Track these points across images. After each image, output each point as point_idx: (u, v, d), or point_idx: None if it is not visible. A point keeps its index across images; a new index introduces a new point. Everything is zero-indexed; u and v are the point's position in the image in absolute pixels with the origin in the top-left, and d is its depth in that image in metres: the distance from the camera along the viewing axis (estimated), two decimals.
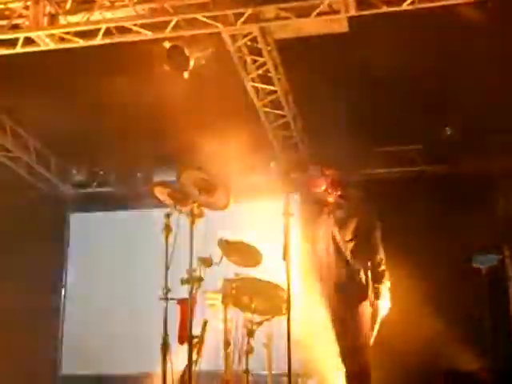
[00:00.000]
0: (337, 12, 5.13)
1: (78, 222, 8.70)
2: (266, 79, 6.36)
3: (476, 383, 2.77)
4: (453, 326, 5.75)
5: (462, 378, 2.80)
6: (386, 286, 4.66)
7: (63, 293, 8.45)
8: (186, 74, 5.54)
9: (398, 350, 5.54)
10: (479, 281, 6.39)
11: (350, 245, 4.68)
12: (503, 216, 7.15)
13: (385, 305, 4.65)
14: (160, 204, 5.11)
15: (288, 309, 4.32)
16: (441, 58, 5.99)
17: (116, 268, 8.00)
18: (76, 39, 5.54)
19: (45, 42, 5.60)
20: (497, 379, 3.01)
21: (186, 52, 5.41)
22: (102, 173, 8.53)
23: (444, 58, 5.96)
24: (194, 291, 4.52)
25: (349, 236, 4.68)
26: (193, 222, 4.60)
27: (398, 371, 5.55)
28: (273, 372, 5.00)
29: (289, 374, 4.31)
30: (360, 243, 4.68)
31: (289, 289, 4.31)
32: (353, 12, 5.09)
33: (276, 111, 6.91)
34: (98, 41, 5.47)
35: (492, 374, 3.08)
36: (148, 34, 5.42)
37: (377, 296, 4.61)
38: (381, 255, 4.70)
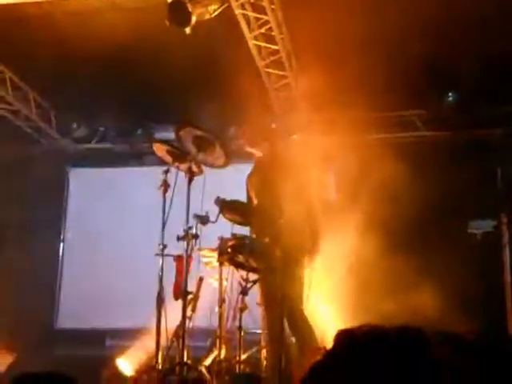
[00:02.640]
0: None
1: (77, 176, 8.70)
2: (269, 38, 6.29)
3: (461, 344, 2.80)
4: (445, 290, 5.80)
5: (447, 338, 2.83)
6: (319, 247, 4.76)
7: (61, 247, 8.48)
8: (187, 30, 5.46)
9: (387, 312, 5.60)
10: (474, 246, 6.44)
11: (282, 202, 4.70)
12: (502, 183, 7.17)
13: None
14: (160, 161, 5.12)
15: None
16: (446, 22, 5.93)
17: (114, 224, 8.02)
18: None
19: None
20: (484, 342, 3.04)
21: (189, 7, 5.33)
22: (102, 129, 8.48)
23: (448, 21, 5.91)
24: (189, 248, 4.55)
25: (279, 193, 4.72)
26: (190, 180, 4.62)
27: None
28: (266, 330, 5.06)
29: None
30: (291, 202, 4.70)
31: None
32: None
33: (278, 72, 6.84)
34: None
35: (479, 337, 3.11)
36: None
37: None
38: (317, 217, 4.76)
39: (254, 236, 4.90)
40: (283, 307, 4.60)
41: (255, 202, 5.03)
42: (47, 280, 8.30)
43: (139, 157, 8.31)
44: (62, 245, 8.47)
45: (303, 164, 4.97)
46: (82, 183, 8.60)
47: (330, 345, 1.41)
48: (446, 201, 6.45)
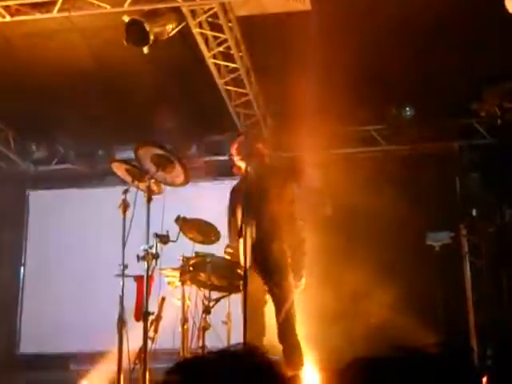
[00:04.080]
0: None
1: (38, 199, 8.57)
2: (227, 57, 6.32)
3: (425, 358, 2.81)
4: (405, 303, 5.85)
5: (408, 352, 2.84)
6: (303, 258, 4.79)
7: (22, 271, 8.33)
8: (145, 49, 5.46)
9: (348, 325, 5.63)
10: (432, 258, 6.51)
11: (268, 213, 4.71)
12: (460, 195, 7.28)
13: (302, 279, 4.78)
14: (122, 181, 5.08)
15: (244, 286, 4.36)
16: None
17: (75, 245, 7.92)
18: (32, 11, 5.44)
19: (1, 13, 5.48)
20: (447, 354, 3.07)
21: (146, 26, 5.33)
22: (62, 150, 8.38)
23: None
24: (150, 268, 4.51)
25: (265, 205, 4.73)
26: (150, 199, 4.59)
27: (347, 346, 5.64)
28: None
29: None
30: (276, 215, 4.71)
31: (245, 266, 4.35)
32: None
33: (238, 89, 6.87)
34: (55, 14, 5.37)
35: (442, 350, 3.14)
36: (107, 8, 5.33)
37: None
38: (298, 227, 4.80)
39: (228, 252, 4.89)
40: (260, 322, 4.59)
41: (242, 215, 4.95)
42: (8, 305, 8.13)
43: (101, 177, 8.22)
44: (22, 269, 8.31)
45: (289, 177, 5.00)
46: (43, 206, 8.46)
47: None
48: (405, 213, 6.52)
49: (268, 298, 4.77)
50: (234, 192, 5.07)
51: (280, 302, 4.63)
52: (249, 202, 4.63)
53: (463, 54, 6.10)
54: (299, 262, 4.79)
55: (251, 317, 4.29)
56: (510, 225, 6.65)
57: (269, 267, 4.66)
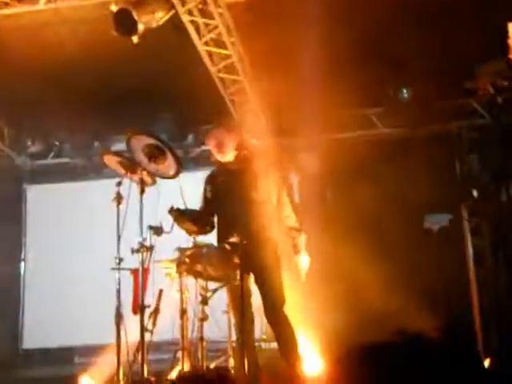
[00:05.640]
0: None
1: (35, 193, 8.53)
2: (219, 44, 6.24)
3: (425, 342, 2.78)
4: (405, 287, 5.81)
5: (411, 337, 2.81)
6: (302, 241, 4.77)
7: (22, 266, 8.31)
8: (134, 39, 5.38)
9: (348, 309, 5.59)
10: (431, 241, 6.45)
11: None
12: (460, 176, 7.22)
13: (304, 259, 4.76)
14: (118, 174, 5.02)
15: (241, 275, 4.32)
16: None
17: (74, 239, 7.90)
18: (19, 5, 5.37)
19: None
20: (447, 339, 3.02)
21: (134, 15, 5.25)
22: (57, 143, 8.34)
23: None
24: (145, 260, 4.46)
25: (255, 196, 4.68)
26: (142, 190, 4.53)
27: (349, 330, 5.61)
28: (232, 339, 5.00)
29: (242, 339, 4.34)
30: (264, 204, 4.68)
31: (242, 255, 4.31)
32: None
33: (231, 76, 6.78)
34: (42, 5, 5.29)
35: (442, 334, 3.09)
36: None
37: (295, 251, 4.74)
38: (289, 212, 4.77)
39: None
40: (249, 313, 4.56)
41: (218, 206, 4.92)
42: (10, 301, 8.12)
43: (98, 170, 8.18)
44: (23, 264, 8.30)
45: (269, 168, 4.92)
46: (40, 200, 8.43)
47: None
48: (404, 196, 6.46)
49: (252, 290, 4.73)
50: (209, 182, 4.99)
51: (268, 293, 4.60)
52: (230, 197, 4.63)
53: (459, 33, 6.00)
54: (293, 246, 4.77)
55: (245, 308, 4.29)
56: (510, 204, 6.58)
57: (258, 264, 4.61)
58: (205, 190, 4.97)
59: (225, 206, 4.72)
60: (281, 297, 4.64)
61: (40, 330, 7.75)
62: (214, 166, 4.98)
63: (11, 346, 8.01)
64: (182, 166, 4.59)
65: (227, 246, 4.44)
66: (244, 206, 4.61)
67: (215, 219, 4.84)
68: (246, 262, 4.38)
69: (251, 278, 4.70)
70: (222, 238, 4.67)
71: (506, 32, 5.50)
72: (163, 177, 4.68)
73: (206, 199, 4.91)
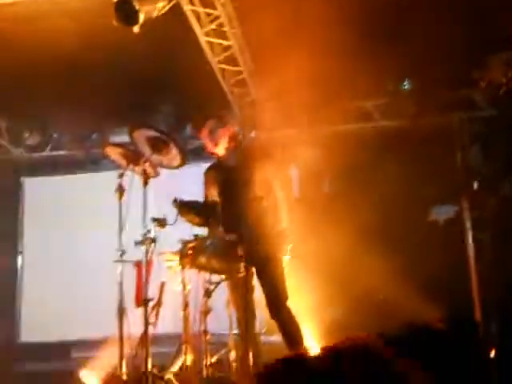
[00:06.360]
0: None
1: (32, 186, 8.46)
2: (220, 34, 6.17)
3: (432, 334, 2.77)
4: (410, 278, 5.78)
5: (417, 329, 2.80)
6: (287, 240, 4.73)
7: (20, 259, 8.25)
8: (136, 29, 5.31)
9: (354, 303, 5.57)
10: (436, 232, 6.42)
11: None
12: (462, 168, 7.18)
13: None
14: (118, 166, 4.97)
15: (246, 268, 4.29)
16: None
17: (72, 232, 7.83)
18: None
19: None
20: (452, 330, 3.01)
21: (135, 5, 5.17)
22: (55, 135, 8.26)
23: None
24: (148, 253, 4.42)
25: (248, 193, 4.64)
26: (146, 182, 4.50)
27: (353, 322, 5.59)
28: (234, 332, 4.96)
29: (245, 332, 4.32)
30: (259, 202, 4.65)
31: (246, 248, 4.28)
32: None
33: (232, 67, 6.73)
34: None
35: (448, 325, 3.08)
36: None
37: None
38: (282, 212, 4.74)
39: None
40: (251, 307, 4.53)
41: (217, 198, 4.90)
42: (7, 294, 8.06)
43: (96, 162, 8.12)
44: (20, 257, 8.24)
45: (267, 161, 4.88)
46: (38, 192, 8.36)
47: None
48: (407, 188, 6.43)
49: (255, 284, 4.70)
50: (209, 175, 4.96)
51: (271, 289, 4.57)
52: (228, 191, 4.62)
53: (462, 23, 5.95)
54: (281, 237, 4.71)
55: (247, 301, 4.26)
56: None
57: (259, 260, 4.58)
58: (204, 180, 4.95)
59: (226, 201, 4.70)
60: (284, 291, 4.62)
61: (37, 324, 7.68)
62: (212, 159, 4.97)
63: (8, 339, 7.94)
64: (186, 157, 4.55)
65: (231, 238, 4.42)
66: (245, 201, 4.58)
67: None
68: (249, 256, 4.36)
69: (253, 272, 4.67)
70: (225, 232, 4.65)
71: None
72: (167, 168, 4.64)
73: (206, 195, 4.90)
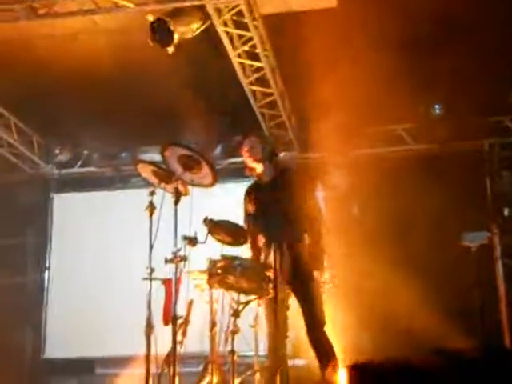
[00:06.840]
0: None
1: (62, 202, 8.54)
2: (252, 56, 6.23)
3: (463, 362, 2.71)
4: (442, 306, 5.71)
5: (449, 356, 2.75)
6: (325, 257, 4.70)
7: (47, 275, 8.30)
8: (170, 49, 5.39)
9: (385, 327, 5.50)
10: (469, 259, 6.33)
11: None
12: (491, 194, 7.11)
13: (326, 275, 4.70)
14: (147, 183, 5.00)
15: (275, 289, 4.26)
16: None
17: (100, 249, 7.88)
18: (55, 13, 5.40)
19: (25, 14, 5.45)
20: (485, 358, 2.95)
21: (171, 26, 5.25)
22: (86, 152, 8.36)
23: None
24: (178, 271, 4.42)
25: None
26: (177, 200, 4.49)
27: (385, 348, 5.52)
28: (259, 353, 4.92)
29: (274, 354, 4.27)
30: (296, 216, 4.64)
31: (275, 269, 4.25)
32: None
33: (263, 89, 6.77)
34: (78, 15, 5.32)
35: (481, 354, 3.02)
36: (130, 7, 5.26)
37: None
38: (318, 227, 4.72)
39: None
40: (283, 327, 4.50)
41: (257, 218, 4.90)
42: (33, 309, 8.10)
43: (125, 179, 8.19)
44: (47, 272, 8.29)
45: (303, 181, 4.91)
46: (67, 209, 8.43)
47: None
48: (437, 214, 6.37)
49: (290, 303, 4.67)
50: (248, 194, 5.00)
51: (312, 310, 4.55)
52: (270, 210, 4.62)
53: (497, 49, 5.94)
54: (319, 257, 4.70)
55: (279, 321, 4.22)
56: None
57: (299, 278, 4.57)
58: (245, 204, 4.97)
59: (265, 220, 4.71)
60: (322, 315, 4.59)
61: (63, 340, 7.70)
62: (246, 179, 5.00)
63: (33, 355, 7.97)
64: (217, 175, 4.56)
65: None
66: (284, 219, 4.59)
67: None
68: (289, 275, 4.37)
69: (290, 292, 4.64)
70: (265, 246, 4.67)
71: None
72: (199, 186, 4.66)
73: (246, 213, 4.92)
